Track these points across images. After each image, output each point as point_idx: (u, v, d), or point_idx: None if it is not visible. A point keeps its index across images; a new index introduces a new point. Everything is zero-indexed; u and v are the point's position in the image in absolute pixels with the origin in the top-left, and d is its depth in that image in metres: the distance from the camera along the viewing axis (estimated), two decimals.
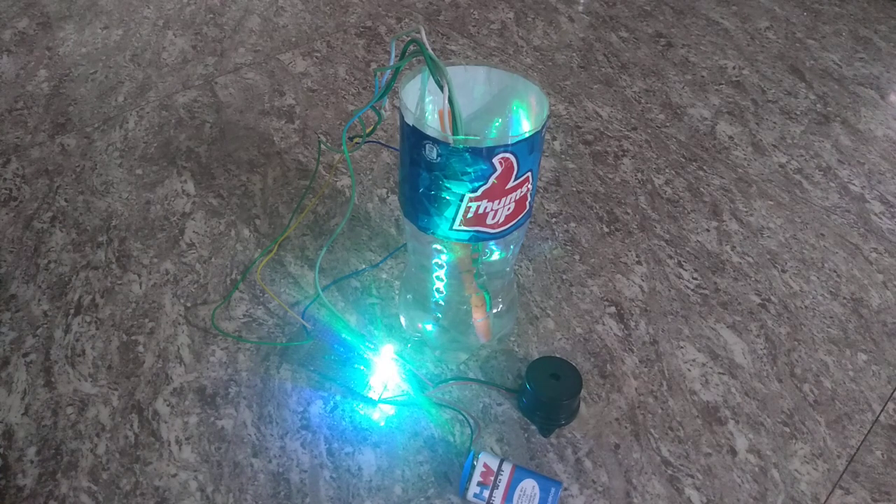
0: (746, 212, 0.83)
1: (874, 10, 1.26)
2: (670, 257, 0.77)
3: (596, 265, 0.76)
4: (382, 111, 0.56)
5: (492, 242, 0.57)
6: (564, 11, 1.20)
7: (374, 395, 0.62)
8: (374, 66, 1.04)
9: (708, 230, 0.81)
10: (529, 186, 0.54)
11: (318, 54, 1.06)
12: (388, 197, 0.83)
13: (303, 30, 1.12)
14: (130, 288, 0.71)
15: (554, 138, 0.93)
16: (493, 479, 0.54)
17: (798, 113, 1.00)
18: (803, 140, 0.95)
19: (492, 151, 0.50)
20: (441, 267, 0.60)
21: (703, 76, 1.06)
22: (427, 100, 0.54)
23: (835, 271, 0.77)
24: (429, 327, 0.64)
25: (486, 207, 0.53)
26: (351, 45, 1.08)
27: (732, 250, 0.78)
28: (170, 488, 0.56)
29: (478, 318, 0.63)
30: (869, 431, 0.63)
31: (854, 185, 0.88)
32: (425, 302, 0.64)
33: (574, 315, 0.71)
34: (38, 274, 0.72)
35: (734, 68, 1.08)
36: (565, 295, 0.73)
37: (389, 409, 0.61)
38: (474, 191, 0.52)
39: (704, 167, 0.90)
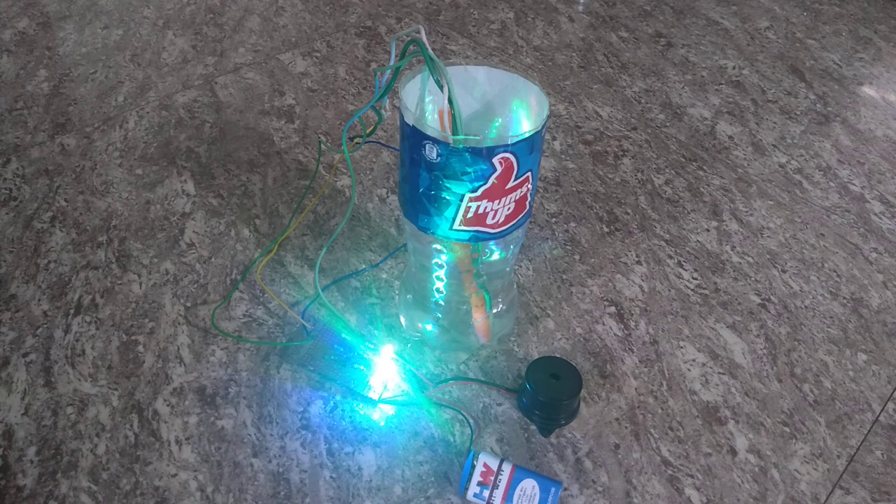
0: (746, 212, 0.83)
1: (874, 10, 1.26)
2: (670, 257, 0.77)
3: (596, 265, 0.76)
4: (382, 111, 0.56)
5: (492, 242, 0.57)
6: (564, 11, 1.20)
7: (374, 395, 0.62)
8: (374, 66, 1.04)
9: (708, 230, 0.81)
10: (529, 186, 0.54)
11: (318, 54, 1.06)
12: (388, 197, 0.83)
13: (303, 30, 1.12)
14: (130, 288, 0.71)
15: (554, 138, 0.93)
16: (493, 479, 0.54)
17: (798, 113, 1.00)
18: (803, 140, 0.95)
19: (492, 151, 0.50)
20: (441, 267, 0.60)
21: (703, 76, 1.06)
22: (427, 100, 0.54)
23: (835, 271, 0.77)
24: (429, 327, 0.64)
25: (486, 207, 0.53)
26: (351, 45, 1.08)
27: (732, 250, 0.78)
28: (170, 488, 0.56)
29: (478, 318, 0.63)
30: (869, 431, 0.63)
31: (854, 185, 0.88)
32: (425, 302, 0.64)
33: (574, 315, 0.71)
34: (38, 274, 0.72)
35: (734, 68, 1.08)
36: (565, 295, 0.73)
37: (389, 409, 0.61)
38: (474, 191, 0.52)
39: (704, 167, 0.90)
